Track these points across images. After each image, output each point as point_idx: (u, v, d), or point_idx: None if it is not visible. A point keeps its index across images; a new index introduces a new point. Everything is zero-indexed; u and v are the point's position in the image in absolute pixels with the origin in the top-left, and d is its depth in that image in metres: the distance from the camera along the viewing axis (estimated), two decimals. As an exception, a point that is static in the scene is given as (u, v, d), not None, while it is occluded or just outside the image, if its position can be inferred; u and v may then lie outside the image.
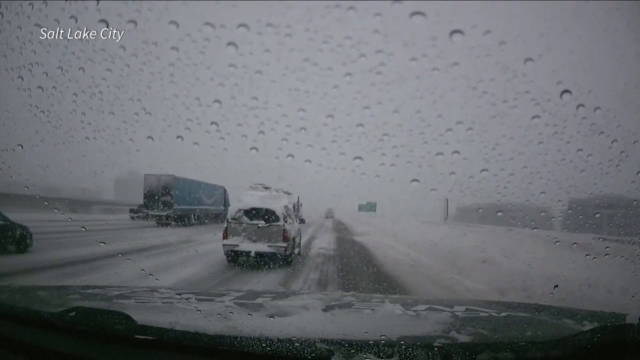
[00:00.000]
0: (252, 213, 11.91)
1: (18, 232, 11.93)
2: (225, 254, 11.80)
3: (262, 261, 11.57)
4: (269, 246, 11.59)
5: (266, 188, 13.03)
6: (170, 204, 28.20)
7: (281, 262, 11.85)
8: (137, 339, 1.62)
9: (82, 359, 1.66)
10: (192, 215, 29.30)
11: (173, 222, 27.90)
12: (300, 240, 14.84)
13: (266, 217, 11.77)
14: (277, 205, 12.10)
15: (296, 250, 13.52)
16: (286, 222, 12.03)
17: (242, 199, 12.54)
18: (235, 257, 11.86)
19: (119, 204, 40.75)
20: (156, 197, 28.47)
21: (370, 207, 45.08)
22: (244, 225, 11.79)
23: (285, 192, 13.26)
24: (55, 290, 2.90)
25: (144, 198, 28.83)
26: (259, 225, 11.71)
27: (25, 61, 4.32)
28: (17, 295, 2.47)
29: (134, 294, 2.80)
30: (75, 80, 4.65)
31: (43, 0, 4.09)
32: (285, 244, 11.67)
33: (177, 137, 4.50)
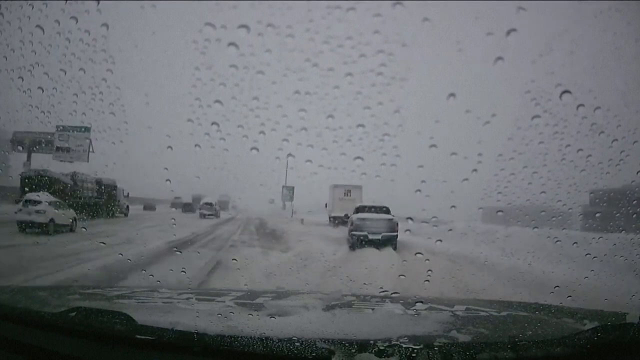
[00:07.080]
0: None
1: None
2: None
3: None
4: None
5: None
6: None
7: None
8: (137, 339, 1.62)
9: (83, 359, 1.66)
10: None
11: None
12: None
13: None
14: None
15: None
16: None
17: None
18: None
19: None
20: None
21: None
22: None
23: None
24: (56, 290, 2.91)
25: None
26: None
27: (25, 62, 4.33)
28: (17, 296, 2.47)
29: (134, 294, 2.80)
30: (76, 80, 4.66)
31: (43, 0, 4.10)
32: None
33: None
